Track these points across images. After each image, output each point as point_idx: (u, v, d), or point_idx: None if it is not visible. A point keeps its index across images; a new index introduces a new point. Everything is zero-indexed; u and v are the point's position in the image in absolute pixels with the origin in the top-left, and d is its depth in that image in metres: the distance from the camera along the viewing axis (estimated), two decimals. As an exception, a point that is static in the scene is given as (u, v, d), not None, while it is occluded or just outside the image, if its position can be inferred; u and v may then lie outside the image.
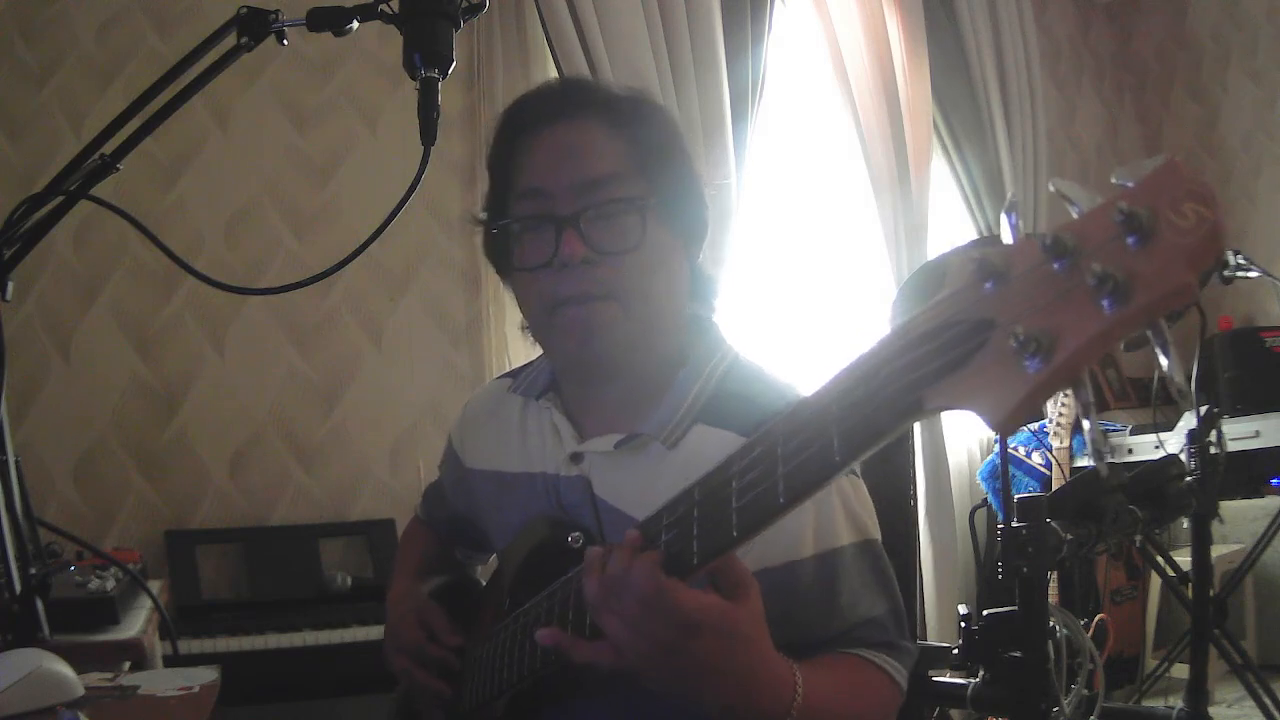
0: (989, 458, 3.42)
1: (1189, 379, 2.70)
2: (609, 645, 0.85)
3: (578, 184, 1.09)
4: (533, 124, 1.13)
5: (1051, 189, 0.56)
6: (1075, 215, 0.54)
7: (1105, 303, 0.50)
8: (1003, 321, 0.54)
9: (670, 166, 1.13)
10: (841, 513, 1.06)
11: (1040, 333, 0.52)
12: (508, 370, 1.38)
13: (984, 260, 0.56)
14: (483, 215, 1.19)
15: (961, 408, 0.56)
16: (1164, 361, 0.51)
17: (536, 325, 1.16)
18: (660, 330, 1.13)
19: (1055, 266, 0.53)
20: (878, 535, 1.10)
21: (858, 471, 1.12)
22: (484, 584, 1.43)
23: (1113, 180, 0.53)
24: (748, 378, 1.14)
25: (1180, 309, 0.50)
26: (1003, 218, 0.59)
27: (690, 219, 1.16)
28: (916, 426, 1.59)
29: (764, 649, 0.87)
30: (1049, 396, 0.53)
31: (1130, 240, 0.50)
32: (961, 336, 0.57)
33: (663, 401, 1.11)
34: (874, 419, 0.63)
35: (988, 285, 0.56)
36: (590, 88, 1.17)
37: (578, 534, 1.07)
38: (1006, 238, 0.58)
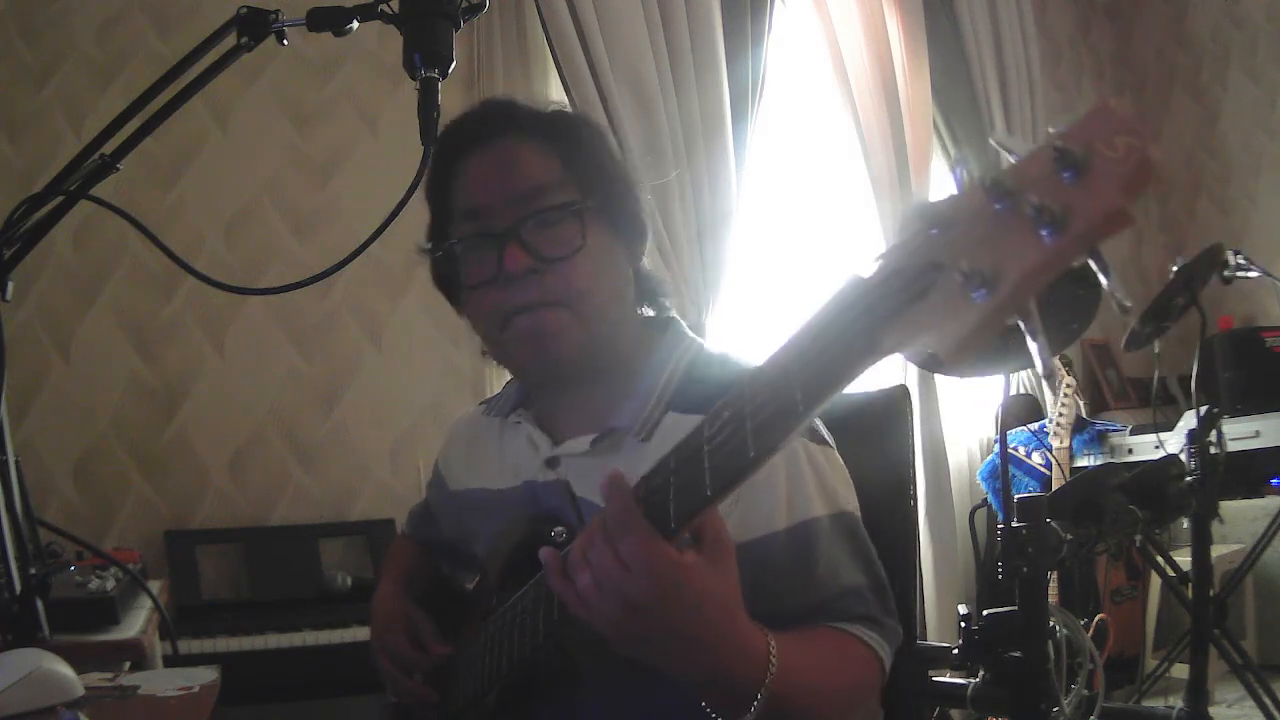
0: (989, 458, 3.43)
1: (1189, 378, 2.70)
2: (580, 599, 0.84)
3: (512, 197, 1.11)
4: (462, 148, 1.16)
5: (992, 143, 0.59)
6: (1013, 160, 0.57)
7: (1044, 233, 0.53)
8: (948, 261, 0.57)
9: (602, 171, 1.16)
10: (814, 484, 1.07)
11: (985, 266, 0.55)
12: (487, 397, 1.42)
13: (930, 209, 0.59)
14: (427, 245, 1.22)
15: (916, 343, 0.59)
16: (1104, 281, 0.54)
17: (492, 341, 1.18)
18: (612, 330, 1.14)
19: (997, 207, 0.56)
20: (854, 508, 1.11)
21: (832, 443, 1.13)
22: (470, 590, 1.43)
23: (1049, 130, 0.56)
24: (713, 362, 1.16)
25: (1115, 233, 0.53)
26: (950, 174, 0.62)
27: (628, 221, 1.18)
28: (916, 426, 1.59)
29: (736, 615, 0.86)
30: (998, 326, 0.56)
31: (1066, 175, 0.53)
32: (911, 279, 0.59)
33: (631, 398, 1.13)
34: (832, 365, 0.65)
35: (934, 231, 0.59)
36: (513, 106, 1.19)
37: (561, 528, 1.07)
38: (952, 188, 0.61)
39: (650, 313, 1.24)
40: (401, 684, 1.25)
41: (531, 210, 1.11)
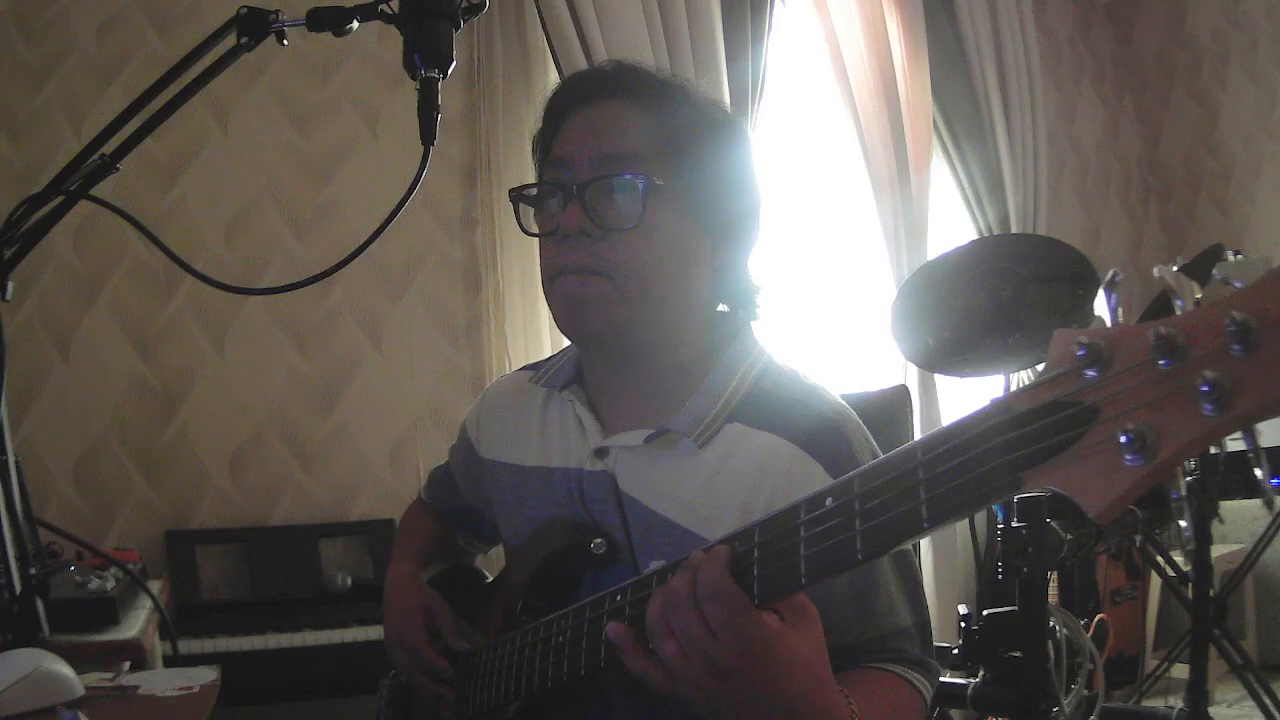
0: (989, 458, 3.42)
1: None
2: (661, 668, 0.82)
3: (595, 156, 1.08)
4: (572, 102, 1.14)
5: (1156, 274, 0.58)
6: (1179, 309, 0.56)
7: (1208, 408, 0.52)
8: (1109, 413, 0.56)
9: (700, 155, 1.11)
10: None
11: (1145, 429, 0.54)
12: (529, 364, 1.37)
13: (1090, 345, 0.57)
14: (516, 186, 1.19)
15: (1061, 492, 0.57)
16: (1259, 471, 0.54)
17: (545, 294, 1.15)
18: (667, 318, 1.10)
19: (1162, 364, 0.54)
20: (909, 546, 1.09)
21: None
22: (488, 576, 1.42)
23: (1215, 274, 0.54)
24: (784, 380, 1.12)
25: (1273, 418, 0.52)
26: (1100, 294, 0.61)
27: (722, 214, 1.12)
28: (916, 426, 1.59)
29: (825, 681, 0.85)
30: (1146, 491, 0.55)
31: (1236, 348, 0.52)
32: (1066, 422, 0.58)
33: (693, 399, 1.10)
34: (968, 491, 0.63)
35: (1091, 372, 0.57)
36: (633, 70, 1.15)
37: (600, 540, 1.06)
38: (1100, 308, 0.60)
39: (732, 313, 1.19)
40: (417, 680, 1.23)
41: (603, 173, 1.08)
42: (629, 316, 1.08)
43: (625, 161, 1.08)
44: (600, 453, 1.13)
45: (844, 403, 1.11)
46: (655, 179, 1.07)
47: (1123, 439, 0.54)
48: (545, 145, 1.16)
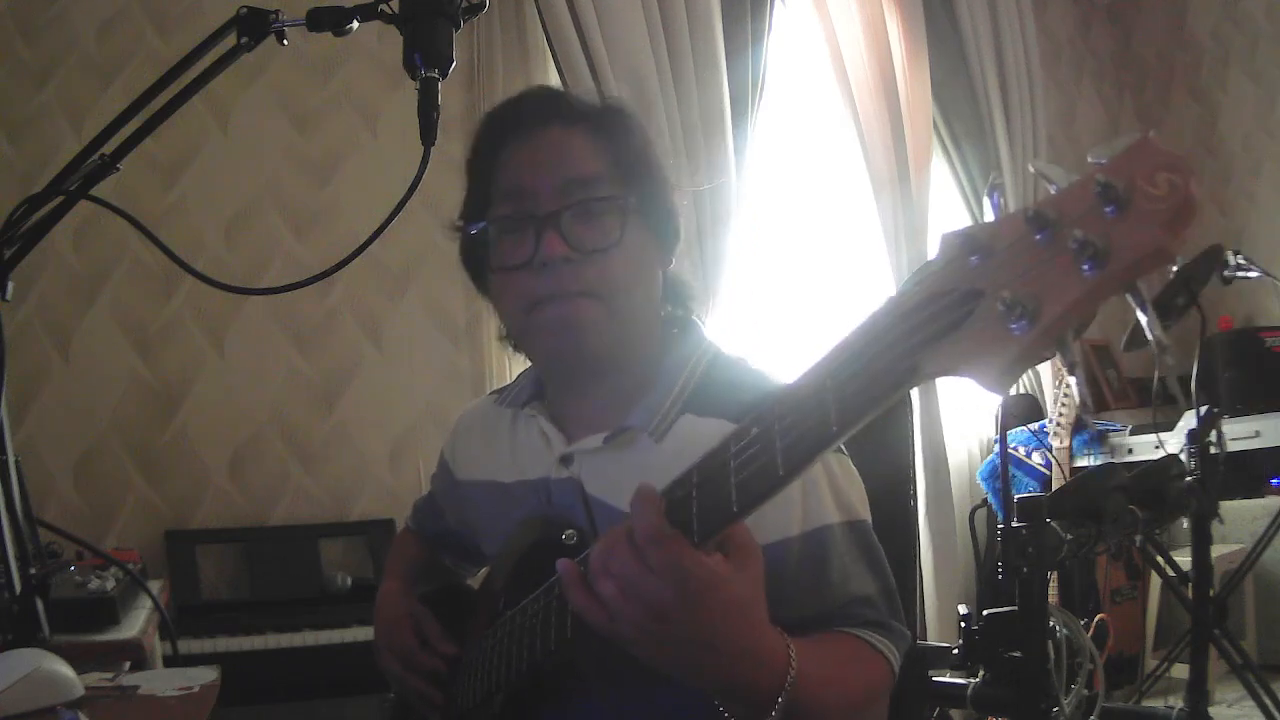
0: (989, 458, 3.42)
1: (1189, 378, 2.70)
2: (603, 608, 0.83)
3: (559, 184, 1.11)
4: (513, 128, 1.15)
5: (1030, 169, 0.59)
6: (1053, 191, 0.58)
7: (1085, 267, 0.54)
8: (990, 289, 0.58)
9: (646, 172, 1.16)
10: (829, 491, 1.07)
11: (1026, 297, 0.55)
12: (494, 389, 1.40)
13: (970, 235, 0.60)
14: (459, 222, 1.20)
15: (955, 372, 0.59)
16: (1143, 318, 0.55)
17: (516, 327, 1.17)
18: (639, 329, 1.15)
19: (1038, 238, 0.56)
20: (867, 516, 1.11)
21: (844, 450, 1.12)
22: (476, 590, 1.43)
23: (1089, 158, 0.56)
24: (732, 367, 1.16)
25: (1155, 270, 0.53)
26: (985, 198, 0.62)
27: (664, 222, 1.18)
28: (916, 426, 1.59)
29: (760, 619, 0.86)
30: (1037, 357, 0.56)
31: (1108, 210, 0.54)
32: (952, 305, 0.60)
33: (647, 396, 1.13)
34: (869, 387, 0.65)
35: (974, 258, 0.59)
36: (568, 96, 1.19)
37: (571, 531, 1.07)
38: (988, 215, 0.62)
39: (674, 312, 1.23)
40: (407, 684, 1.25)
41: (576, 199, 1.10)
42: (616, 333, 1.11)
43: (592, 185, 1.11)
44: (565, 460, 1.16)
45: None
46: (627, 198, 1.12)
47: (1001, 308, 0.56)
48: (485, 175, 1.16)
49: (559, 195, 1.10)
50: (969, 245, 0.59)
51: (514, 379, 1.33)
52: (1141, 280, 0.54)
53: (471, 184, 1.19)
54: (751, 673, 0.86)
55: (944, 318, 0.60)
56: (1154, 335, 0.55)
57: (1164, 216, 0.53)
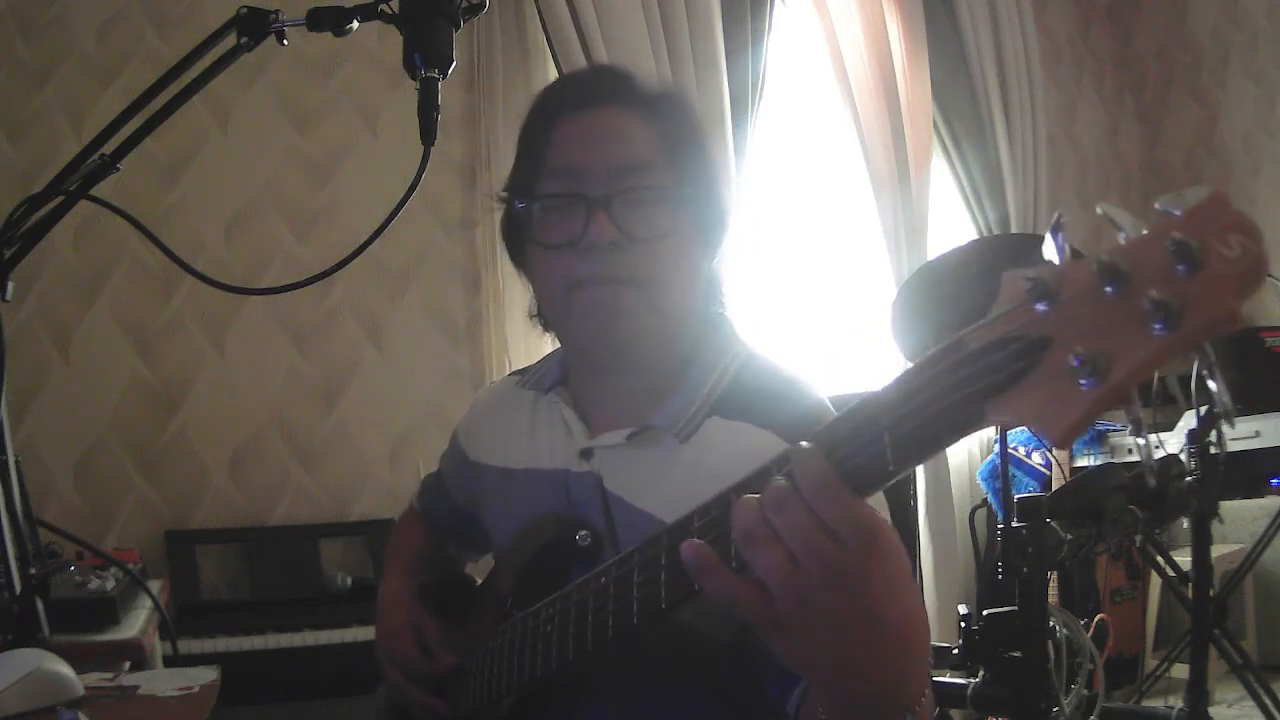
0: (989, 458, 3.42)
1: (1189, 379, 2.70)
2: (755, 585, 0.68)
3: (614, 167, 1.08)
4: (570, 106, 1.12)
5: (1099, 212, 0.59)
6: (1122, 240, 0.56)
7: (1157, 327, 0.53)
8: (1060, 340, 0.57)
9: (700, 164, 1.13)
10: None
11: (1096, 353, 0.54)
12: (515, 369, 1.37)
13: (1038, 281, 0.58)
14: (504, 194, 1.17)
15: (1022, 423, 0.59)
16: (1213, 385, 0.54)
17: (553, 307, 1.14)
18: (675, 323, 1.12)
19: (1108, 290, 0.55)
20: (885, 517, 1.09)
21: None
22: (478, 581, 1.43)
23: (1157, 207, 0.55)
24: (763, 372, 1.13)
25: (1224, 334, 0.53)
26: (1048, 237, 0.62)
27: (713, 218, 1.15)
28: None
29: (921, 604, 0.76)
30: (1102, 413, 0.55)
31: (1180, 269, 0.53)
32: (1019, 353, 0.58)
33: (675, 395, 1.10)
34: (930, 428, 0.63)
35: (1041, 305, 0.58)
36: (629, 78, 1.15)
37: (585, 532, 1.06)
38: (1050, 253, 0.60)
39: (709, 307, 1.20)
40: (409, 695, 1.24)
41: (629, 185, 1.07)
42: (656, 324, 1.09)
43: (646, 172, 1.08)
44: (585, 453, 1.14)
45: (822, 394, 1.12)
46: (679, 189, 1.09)
47: (1074, 362, 0.55)
48: (536, 150, 1.13)
49: (612, 178, 1.07)
50: (1036, 290, 0.58)
51: (539, 361, 1.30)
52: (1208, 343, 0.53)
53: (521, 156, 1.15)
54: (908, 669, 0.73)
55: (1011, 365, 0.59)
56: (1222, 402, 0.54)
57: (1237, 280, 0.52)
